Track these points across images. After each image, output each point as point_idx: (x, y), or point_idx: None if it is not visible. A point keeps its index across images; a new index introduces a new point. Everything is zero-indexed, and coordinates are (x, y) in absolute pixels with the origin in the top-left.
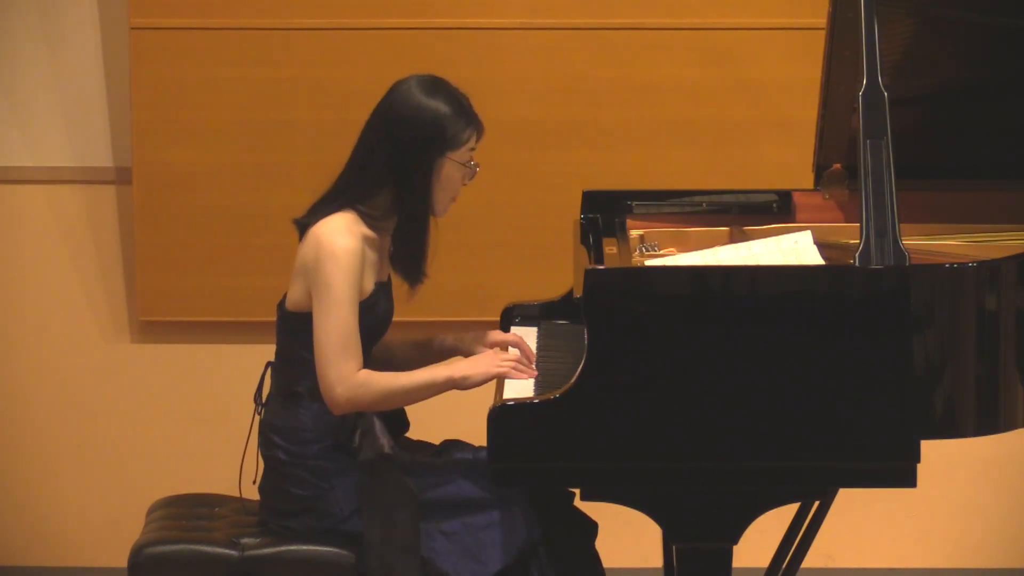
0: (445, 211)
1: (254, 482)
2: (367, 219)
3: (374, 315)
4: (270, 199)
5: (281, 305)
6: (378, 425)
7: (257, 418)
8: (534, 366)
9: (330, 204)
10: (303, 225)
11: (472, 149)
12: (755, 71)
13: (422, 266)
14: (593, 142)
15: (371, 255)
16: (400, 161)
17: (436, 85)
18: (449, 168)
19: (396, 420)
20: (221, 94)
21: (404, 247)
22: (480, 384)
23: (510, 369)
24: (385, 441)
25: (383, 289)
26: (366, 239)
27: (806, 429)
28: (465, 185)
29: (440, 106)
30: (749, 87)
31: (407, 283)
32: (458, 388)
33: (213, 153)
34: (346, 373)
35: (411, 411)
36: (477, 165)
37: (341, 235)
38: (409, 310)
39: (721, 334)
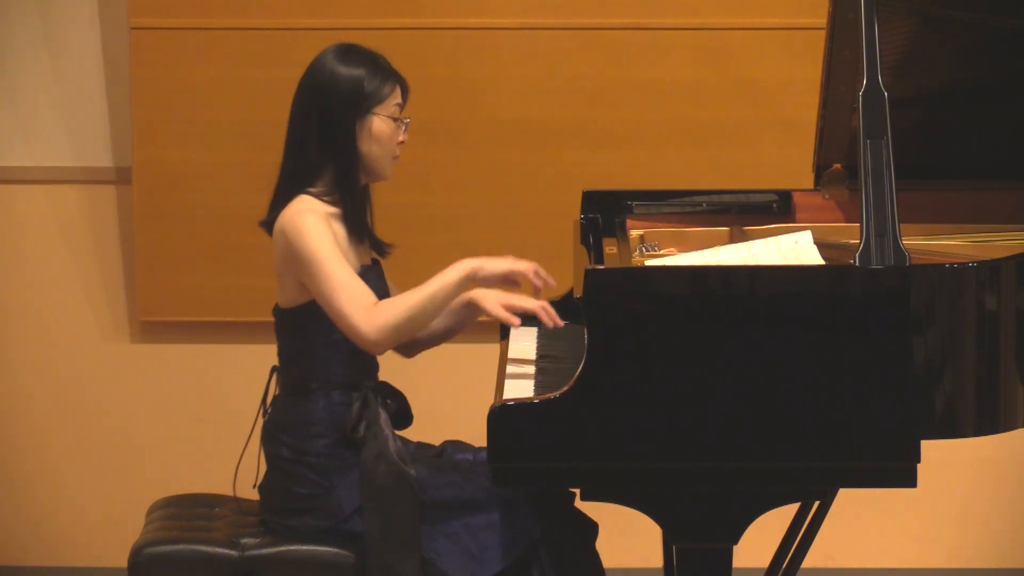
0: (390, 172)
1: (254, 486)
2: (324, 198)
3: None
4: (270, 199)
5: (275, 308)
6: (383, 417)
7: (260, 420)
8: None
9: (281, 197)
10: (269, 223)
11: (398, 104)
12: (755, 71)
13: (368, 230)
14: (593, 142)
15: (341, 231)
16: (328, 131)
17: (349, 51)
18: (377, 123)
19: (400, 414)
20: (221, 94)
21: (347, 215)
22: (495, 275)
23: (527, 270)
24: (389, 433)
25: (370, 272)
26: (330, 215)
27: (806, 429)
28: (402, 143)
29: (354, 69)
30: (749, 87)
31: (376, 254)
32: (476, 280)
33: (213, 153)
34: (365, 316)
35: (413, 410)
36: (407, 119)
37: (302, 214)
38: None
39: (721, 334)
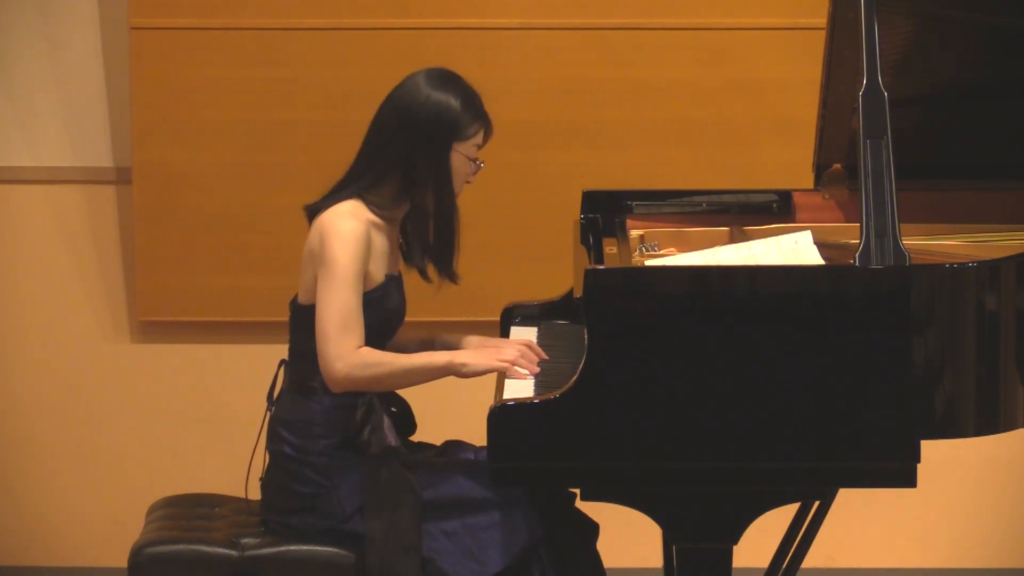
0: None
1: (260, 478)
2: (373, 207)
3: (385, 308)
4: (270, 199)
5: (292, 302)
6: (387, 423)
7: (268, 416)
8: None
9: (339, 193)
10: (313, 211)
11: (479, 146)
12: (755, 71)
13: (453, 259)
14: (593, 142)
15: (379, 242)
16: (411, 152)
17: (447, 78)
18: (455, 160)
19: (404, 421)
20: (221, 94)
21: (439, 239)
22: (479, 374)
23: (510, 365)
24: (392, 438)
25: (394, 282)
26: (373, 224)
27: (806, 429)
28: (468, 183)
29: (450, 98)
30: (749, 87)
31: (442, 278)
32: (456, 375)
33: (213, 153)
34: (345, 350)
35: (413, 410)
36: (482, 163)
37: (346, 218)
38: (409, 310)
39: (721, 334)
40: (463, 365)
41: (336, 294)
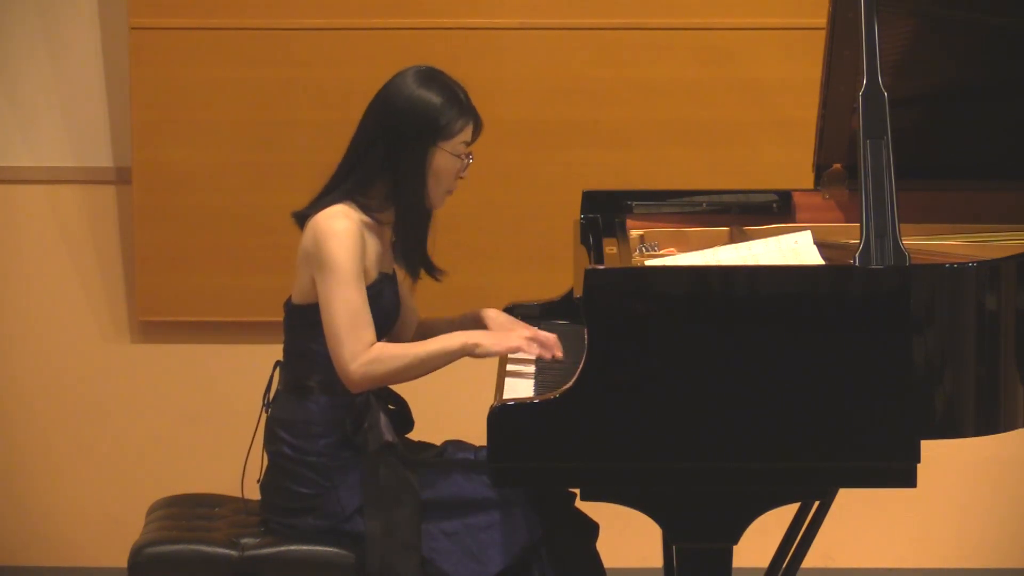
0: (441, 204)
1: (258, 481)
2: (364, 209)
3: (379, 307)
4: (270, 199)
5: (287, 302)
6: (383, 421)
7: (264, 416)
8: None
9: (328, 196)
10: (303, 217)
11: (467, 142)
12: (755, 71)
13: (421, 258)
14: (593, 142)
15: (372, 242)
16: (393, 151)
17: (431, 76)
18: (441, 159)
19: (400, 419)
20: (221, 94)
21: (404, 239)
22: (494, 355)
23: (525, 344)
24: (390, 437)
25: (387, 281)
26: (365, 224)
27: (806, 429)
28: (461, 179)
29: (432, 96)
30: (749, 87)
31: (408, 275)
32: (472, 356)
33: (213, 153)
34: (358, 349)
35: (412, 410)
36: (471, 157)
37: (338, 218)
38: None
39: (721, 334)
40: (476, 346)
41: (340, 295)
